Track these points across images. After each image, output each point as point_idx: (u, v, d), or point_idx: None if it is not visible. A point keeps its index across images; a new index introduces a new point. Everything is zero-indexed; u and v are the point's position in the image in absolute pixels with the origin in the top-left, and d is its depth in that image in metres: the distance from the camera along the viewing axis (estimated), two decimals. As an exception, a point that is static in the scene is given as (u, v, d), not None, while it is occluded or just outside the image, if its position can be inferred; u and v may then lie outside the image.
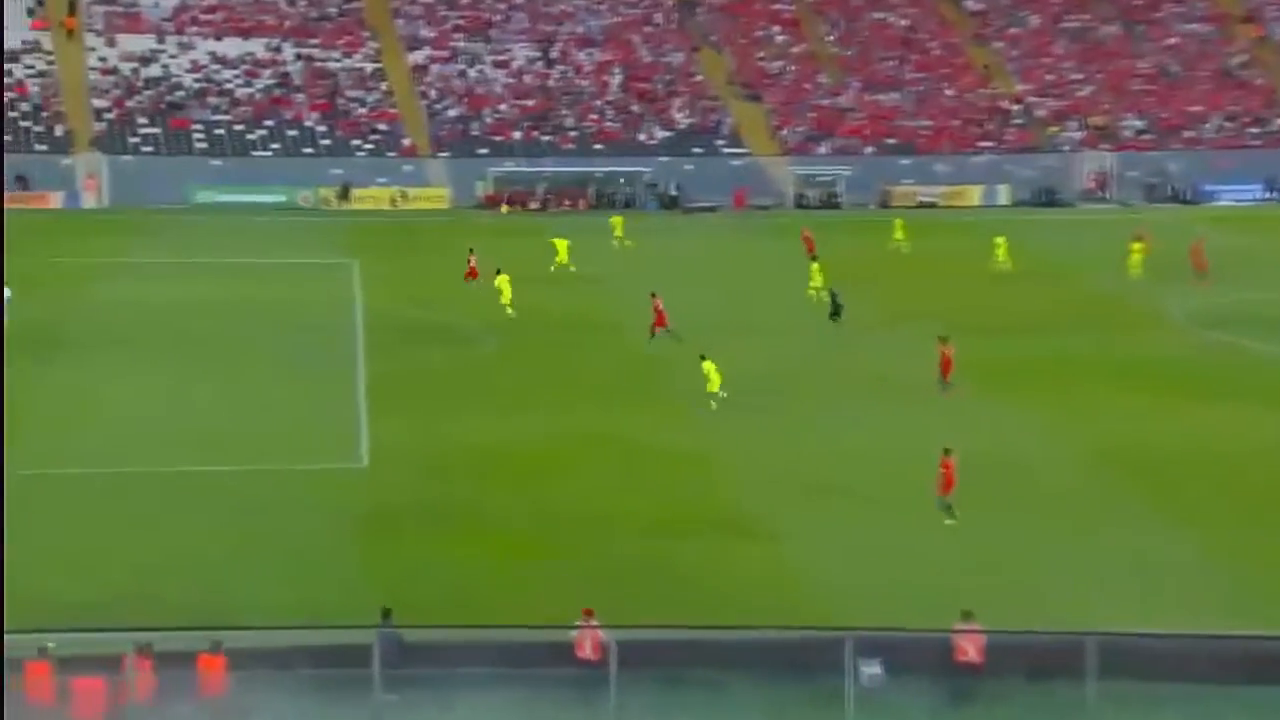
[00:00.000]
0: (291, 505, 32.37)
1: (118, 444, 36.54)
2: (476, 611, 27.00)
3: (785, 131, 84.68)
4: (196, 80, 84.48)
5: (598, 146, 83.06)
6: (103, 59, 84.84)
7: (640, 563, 29.72)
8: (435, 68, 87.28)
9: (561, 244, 59.15)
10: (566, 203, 79.72)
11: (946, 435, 34.55)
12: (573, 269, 57.75)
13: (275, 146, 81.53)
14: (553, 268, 57.61)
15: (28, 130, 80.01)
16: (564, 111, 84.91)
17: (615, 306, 52.40)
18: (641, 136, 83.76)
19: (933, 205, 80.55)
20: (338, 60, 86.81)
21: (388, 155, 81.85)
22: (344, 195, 79.12)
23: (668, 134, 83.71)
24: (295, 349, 46.38)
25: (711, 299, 53.86)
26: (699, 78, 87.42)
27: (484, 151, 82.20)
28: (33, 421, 37.56)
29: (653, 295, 47.49)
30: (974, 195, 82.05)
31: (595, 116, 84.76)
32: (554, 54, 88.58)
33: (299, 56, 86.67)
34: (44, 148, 79.45)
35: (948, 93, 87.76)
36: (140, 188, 76.71)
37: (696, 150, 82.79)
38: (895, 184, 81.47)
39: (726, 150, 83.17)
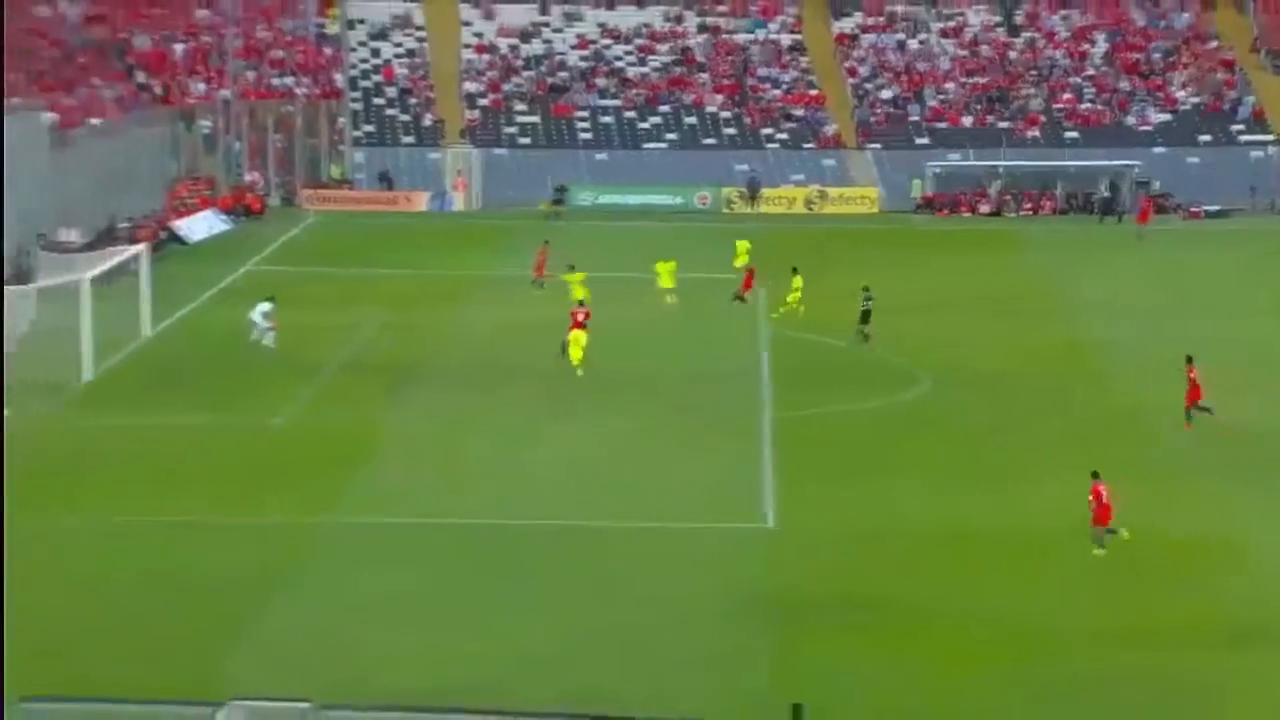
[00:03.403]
0: (686, 569, 32.17)
1: (485, 491, 36.57)
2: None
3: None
4: (583, 58, 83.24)
5: (1071, 134, 79.79)
6: (478, 34, 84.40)
7: (1118, 679, 27.20)
8: (867, 38, 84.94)
9: (664, 268, 54.75)
10: (1027, 205, 76.50)
11: None
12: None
13: (671, 137, 79.90)
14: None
15: (392, 120, 79.91)
16: (1028, 91, 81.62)
17: (1104, 343, 50.30)
18: (1130, 121, 79.91)
19: None
20: (748, 32, 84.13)
21: (804, 147, 79.90)
22: (752, 196, 76.44)
23: (1165, 117, 79.91)
24: (688, 384, 45.89)
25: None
26: (1212, 44, 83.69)
27: (923, 142, 79.62)
28: (391, 463, 38.30)
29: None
30: None
31: (1069, 96, 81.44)
32: (1018, 18, 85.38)
33: (703, 28, 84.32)
34: (410, 139, 79.36)
35: None
36: (515, 186, 76.11)
37: (1204, 138, 78.41)
38: None
39: (1245, 139, 78.73)
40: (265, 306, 48.01)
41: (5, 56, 75.06)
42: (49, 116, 65.15)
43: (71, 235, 58.70)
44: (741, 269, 55.74)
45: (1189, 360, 41.31)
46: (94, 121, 70.48)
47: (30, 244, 54.39)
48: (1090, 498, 32.51)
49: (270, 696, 21.71)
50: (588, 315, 46.95)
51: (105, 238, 59.48)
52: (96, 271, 45.76)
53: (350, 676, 26.21)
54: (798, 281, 53.03)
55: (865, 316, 49.20)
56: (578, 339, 45.74)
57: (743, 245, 57.74)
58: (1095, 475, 32.85)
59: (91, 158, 64.40)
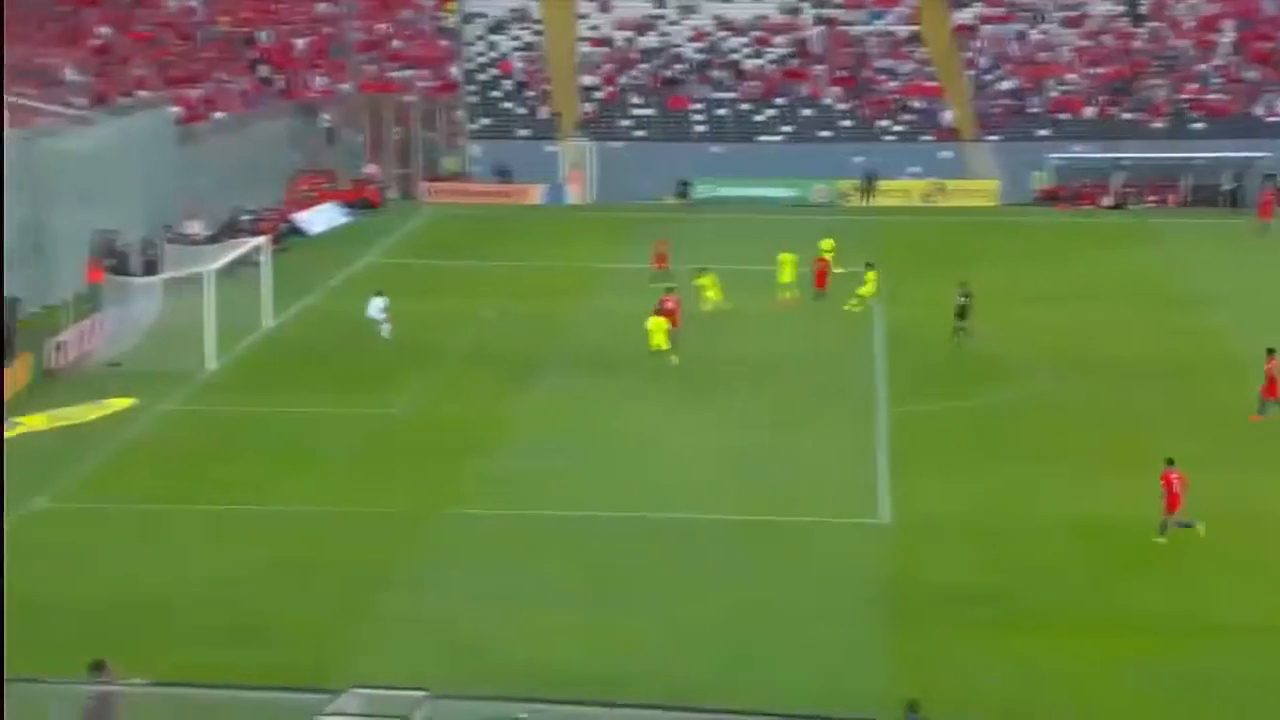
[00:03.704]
0: (803, 564, 32.21)
1: (601, 483, 36.82)
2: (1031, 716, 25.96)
3: None
4: (699, 50, 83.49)
5: (1197, 126, 78.31)
6: (594, 27, 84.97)
7: (1260, 677, 26.99)
8: (987, 29, 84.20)
9: (787, 260, 54.12)
10: (1151, 198, 75.49)
11: None
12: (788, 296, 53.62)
13: (786, 129, 79.69)
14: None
15: (509, 113, 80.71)
16: (1153, 81, 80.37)
17: (1229, 332, 49.82)
18: (1259, 112, 78.42)
19: None
20: (865, 23, 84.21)
21: (921, 139, 79.34)
22: (868, 189, 76.21)
23: (1295, 108, 79.31)
24: (805, 378, 45.82)
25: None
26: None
27: (1044, 133, 78.67)
28: (508, 453, 38.62)
29: None
30: None
31: (1195, 87, 79.96)
32: (1143, 7, 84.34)
33: (820, 20, 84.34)
34: (527, 132, 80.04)
35: None
36: (630, 179, 76.31)
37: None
38: None
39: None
40: (379, 301, 49.04)
41: (126, 54, 76.83)
42: (175, 110, 66.69)
43: (196, 228, 60.04)
44: (815, 261, 55.15)
45: (1270, 353, 40.87)
46: (218, 115, 72.06)
47: (157, 236, 55.87)
48: (1162, 485, 32.23)
49: (387, 685, 22.39)
50: (677, 304, 47.48)
51: (228, 230, 60.68)
52: (220, 263, 46.84)
53: (469, 665, 26.65)
54: (871, 276, 53.06)
55: (962, 312, 48.94)
56: (659, 324, 46.14)
57: (827, 244, 56.93)
58: (1169, 462, 32.62)
59: (216, 151, 65.68)
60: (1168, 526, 32.35)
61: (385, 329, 48.56)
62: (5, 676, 21.33)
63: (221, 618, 28.60)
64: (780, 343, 49.61)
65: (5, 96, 58.55)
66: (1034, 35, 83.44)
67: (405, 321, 49.44)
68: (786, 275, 54.23)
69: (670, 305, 47.57)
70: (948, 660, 27.50)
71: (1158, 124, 78.41)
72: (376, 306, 48.93)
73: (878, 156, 77.41)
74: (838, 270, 55.10)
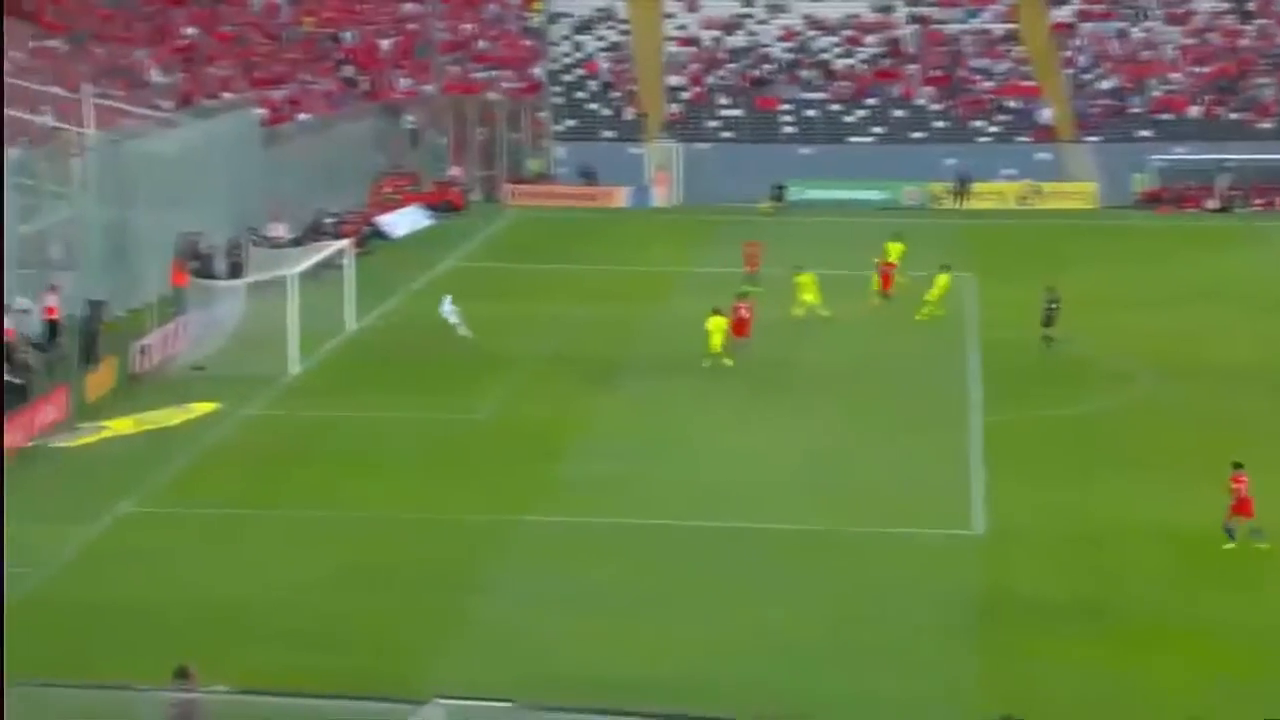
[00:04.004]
0: (893, 575, 32.06)
1: (685, 490, 36.75)
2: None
3: None
4: (788, 50, 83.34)
5: None
6: (682, 27, 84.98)
7: None
8: (1086, 26, 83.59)
9: (807, 280, 52.56)
10: (1258, 201, 74.60)
11: None
12: (824, 312, 52.30)
13: (877, 131, 79.34)
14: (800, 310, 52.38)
15: (594, 114, 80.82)
16: (1261, 80, 79.46)
17: None
18: None
19: None
20: (960, 22, 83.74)
21: (1017, 140, 78.92)
22: (962, 191, 75.78)
23: (1407, 109, 78.46)
24: (895, 384, 45.72)
25: None
26: None
27: (1146, 134, 77.95)
28: (591, 459, 38.69)
29: None
30: None
31: None
32: (1251, 3, 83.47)
33: (913, 18, 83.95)
34: (612, 134, 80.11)
35: None
36: (716, 181, 76.27)
37: None
38: None
39: None
40: (449, 304, 49.36)
41: (211, 54, 77.59)
42: (259, 112, 67.24)
43: (280, 230, 60.52)
44: (880, 265, 54.78)
45: None
46: (303, 117, 72.59)
47: (242, 239, 56.35)
48: (1232, 489, 31.96)
49: (471, 695, 22.38)
50: (750, 312, 47.34)
51: (312, 233, 61.15)
52: (303, 266, 47.19)
53: (543, 673, 26.65)
54: (943, 279, 52.58)
55: (1049, 319, 48.45)
56: (717, 325, 46.00)
57: (895, 248, 56.17)
58: (1237, 466, 32.33)
59: (300, 153, 66.18)
60: (1235, 532, 32.06)
61: (461, 329, 48.73)
62: (96, 683, 21.56)
63: (300, 623, 28.79)
64: (865, 347, 49.40)
65: (92, 98, 59.35)
66: (1136, 33, 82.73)
67: (487, 325, 49.61)
68: (811, 295, 52.50)
69: (743, 313, 47.43)
70: (1041, 674, 27.25)
71: (1265, 124, 77.55)
72: (448, 308, 49.23)
73: (971, 158, 77.00)
74: (908, 276, 54.43)
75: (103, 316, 46.58)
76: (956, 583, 31.34)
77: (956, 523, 34.61)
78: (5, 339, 41.31)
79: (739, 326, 47.05)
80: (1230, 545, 32.10)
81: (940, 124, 79.48)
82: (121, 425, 39.94)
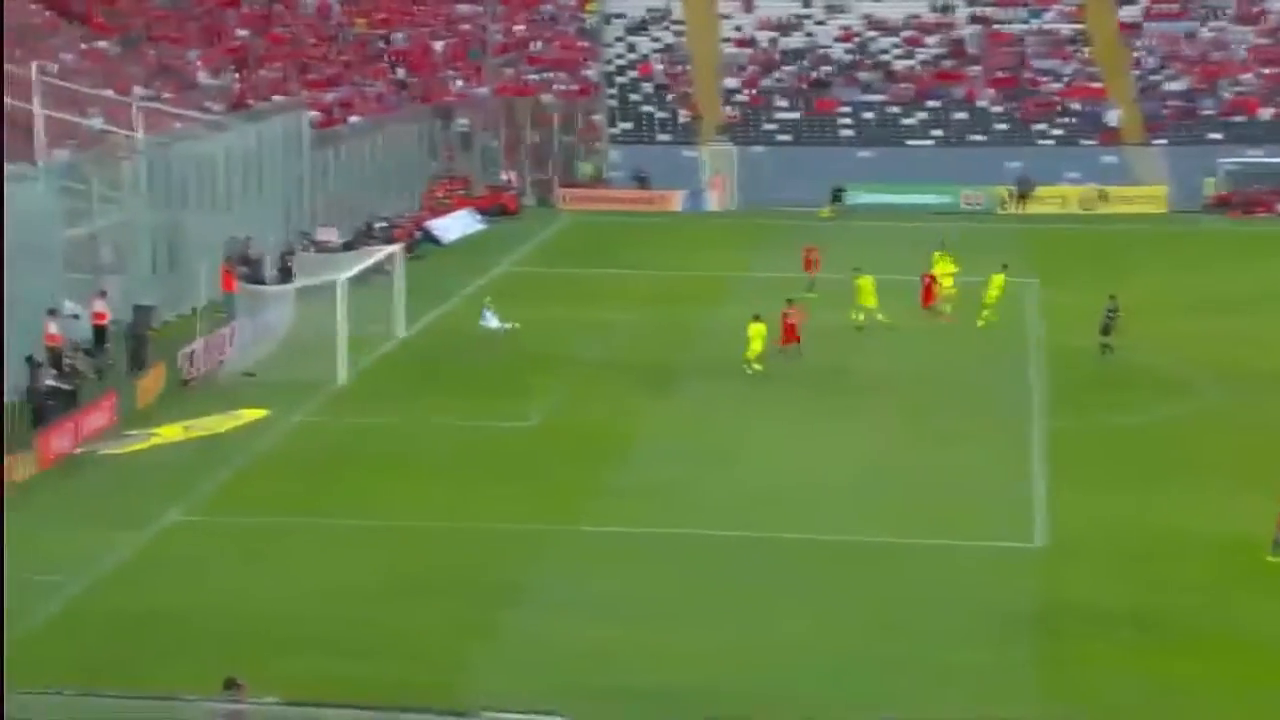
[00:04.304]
0: (947, 584, 31.94)
1: (738, 499, 36.66)
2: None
3: None
4: (847, 51, 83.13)
5: None
6: (737, 28, 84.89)
7: None
8: (1154, 26, 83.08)
9: (866, 283, 52.23)
10: None
11: None
12: (881, 317, 51.89)
13: (937, 133, 79.18)
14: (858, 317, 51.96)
15: (649, 117, 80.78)
16: None
17: None
18: None
19: None
20: (1023, 22, 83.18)
21: (1083, 143, 78.61)
22: (1024, 195, 75.43)
23: None
24: (954, 390, 45.64)
25: None
26: None
27: (1216, 137, 77.43)
28: (642, 466, 38.78)
29: None
30: None
31: None
32: None
33: (975, 18, 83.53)
34: (667, 138, 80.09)
35: None
36: (772, 185, 76.17)
37: None
38: None
39: None
40: (489, 313, 49.65)
41: (263, 56, 78.02)
42: (311, 114, 67.51)
43: (330, 235, 60.71)
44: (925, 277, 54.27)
45: None
46: (354, 119, 72.86)
47: (292, 243, 56.57)
48: None
49: (518, 710, 22.33)
50: (799, 317, 47.40)
51: (362, 237, 61.33)
52: (353, 271, 47.27)
53: (589, 685, 26.54)
54: (999, 279, 52.22)
55: (1107, 327, 48.07)
56: (758, 331, 46.04)
57: (944, 265, 55.13)
58: None
59: (351, 156, 66.52)
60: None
61: (505, 327, 48.96)
62: (148, 694, 21.69)
63: (344, 631, 28.82)
64: (924, 354, 49.24)
65: (143, 100, 59.76)
66: (1206, 33, 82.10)
67: (539, 330, 49.76)
68: (869, 299, 52.22)
69: (792, 319, 47.38)
70: (1105, 687, 27.10)
71: (1338, 127, 77.16)
72: (488, 316, 49.52)
73: (1034, 161, 76.72)
74: (956, 284, 54.01)
75: (151, 322, 46.87)
76: (1017, 592, 31.16)
77: (1018, 535, 34.40)
78: (54, 345, 41.64)
79: (787, 332, 46.95)
80: (1275, 559, 31.85)
81: (1002, 126, 79.15)
82: (170, 432, 40.13)
